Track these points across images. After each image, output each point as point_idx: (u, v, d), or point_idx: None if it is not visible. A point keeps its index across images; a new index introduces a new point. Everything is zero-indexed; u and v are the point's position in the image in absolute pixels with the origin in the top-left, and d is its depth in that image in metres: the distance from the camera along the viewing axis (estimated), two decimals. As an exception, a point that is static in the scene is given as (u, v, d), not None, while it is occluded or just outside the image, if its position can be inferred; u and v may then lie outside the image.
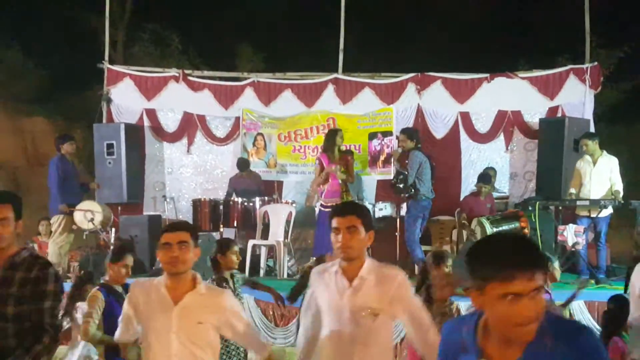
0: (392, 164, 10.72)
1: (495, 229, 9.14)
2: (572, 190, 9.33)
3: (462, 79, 11.71)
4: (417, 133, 9.85)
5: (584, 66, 11.31)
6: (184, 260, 3.46)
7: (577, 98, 11.22)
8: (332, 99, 11.85)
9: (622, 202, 8.98)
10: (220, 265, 5.58)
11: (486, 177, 10.07)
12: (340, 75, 11.93)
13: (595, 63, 11.42)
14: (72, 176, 9.98)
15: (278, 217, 10.02)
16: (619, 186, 9.12)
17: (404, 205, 9.84)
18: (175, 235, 3.49)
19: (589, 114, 11.07)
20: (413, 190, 9.14)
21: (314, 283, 3.61)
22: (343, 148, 10.09)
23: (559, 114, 11.14)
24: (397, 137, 10.08)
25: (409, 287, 3.49)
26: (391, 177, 10.59)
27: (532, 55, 15.61)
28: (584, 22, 11.45)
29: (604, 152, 9.29)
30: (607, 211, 9.05)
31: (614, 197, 8.98)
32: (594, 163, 9.21)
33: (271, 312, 8.03)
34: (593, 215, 9.03)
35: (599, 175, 9.17)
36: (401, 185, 9.19)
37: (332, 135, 9.39)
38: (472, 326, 2.18)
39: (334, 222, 3.42)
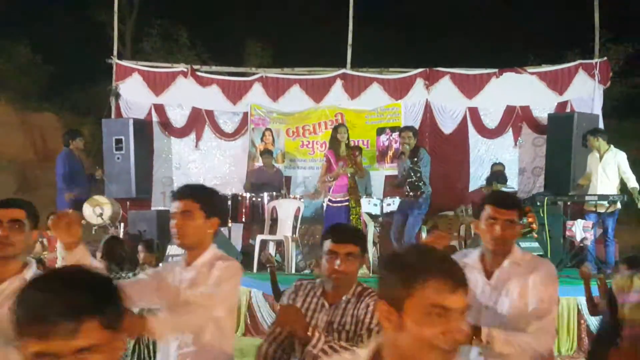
0: (400, 162, 10.61)
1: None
2: (579, 182, 9.31)
3: (470, 74, 11.68)
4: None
5: (593, 61, 11.27)
6: (13, 242, 2.85)
7: (586, 93, 11.18)
8: (340, 94, 11.83)
9: (632, 198, 8.93)
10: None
11: (502, 176, 10.05)
12: (348, 71, 11.92)
13: (605, 58, 11.40)
14: (79, 171, 10.06)
15: (286, 212, 10.02)
16: (633, 183, 9.01)
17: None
18: (6, 212, 2.89)
19: (598, 109, 11.03)
20: (423, 188, 9.12)
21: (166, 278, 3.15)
22: (352, 143, 10.03)
23: (568, 109, 11.10)
24: (401, 135, 9.86)
25: (225, 271, 3.03)
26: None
27: (541, 50, 15.56)
28: (593, 17, 11.39)
29: (611, 146, 9.24)
30: (615, 206, 9.00)
31: (631, 193, 8.90)
32: (601, 158, 9.18)
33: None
34: (600, 210, 8.99)
35: (606, 171, 9.13)
36: (420, 184, 9.10)
37: (333, 132, 9.36)
38: None
39: (171, 206, 3.09)
